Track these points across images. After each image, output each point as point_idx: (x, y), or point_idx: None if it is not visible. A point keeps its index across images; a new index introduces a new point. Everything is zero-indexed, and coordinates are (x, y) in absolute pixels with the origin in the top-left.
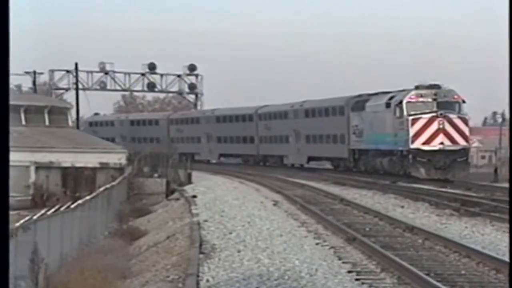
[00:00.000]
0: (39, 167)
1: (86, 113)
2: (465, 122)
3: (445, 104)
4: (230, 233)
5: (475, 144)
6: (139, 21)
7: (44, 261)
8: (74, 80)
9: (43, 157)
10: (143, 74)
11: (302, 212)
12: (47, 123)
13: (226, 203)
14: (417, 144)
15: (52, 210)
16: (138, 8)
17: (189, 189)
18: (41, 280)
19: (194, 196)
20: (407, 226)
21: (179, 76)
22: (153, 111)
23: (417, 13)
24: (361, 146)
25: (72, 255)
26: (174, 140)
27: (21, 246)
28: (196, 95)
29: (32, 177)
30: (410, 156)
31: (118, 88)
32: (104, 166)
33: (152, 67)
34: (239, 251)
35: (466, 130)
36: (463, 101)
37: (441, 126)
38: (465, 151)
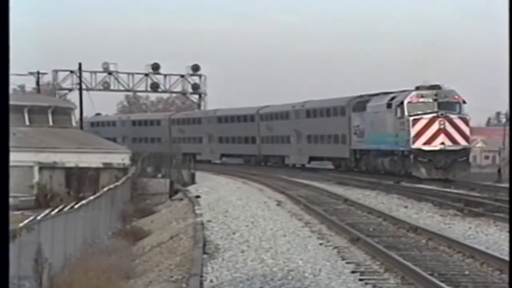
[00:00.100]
0: (42, 167)
1: (89, 113)
2: (466, 122)
3: (446, 104)
4: (234, 233)
5: (479, 144)
6: (143, 21)
7: (48, 261)
8: (78, 81)
9: (47, 157)
10: (146, 75)
11: (305, 212)
12: (50, 123)
13: (229, 203)
14: (418, 144)
15: (56, 210)
16: (142, 9)
17: (192, 189)
18: (45, 280)
19: (198, 196)
20: (410, 226)
21: (182, 76)
22: (157, 111)
23: (417, 13)
24: (362, 146)
25: (75, 255)
26: (176, 140)
27: (25, 246)
28: (200, 95)
29: (36, 177)
30: (411, 156)
31: (122, 88)
32: (107, 167)
33: (155, 67)
34: (242, 251)
35: (466, 130)
36: (464, 102)
37: (442, 126)
38: (465, 151)
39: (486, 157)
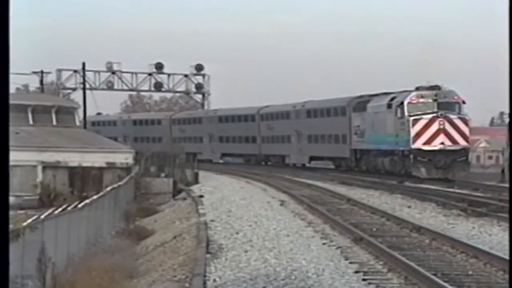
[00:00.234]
0: (46, 166)
1: (93, 112)
2: (465, 122)
3: (446, 104)
4: (237, 233)
5: (482, 144)
6: (146, 21)
7: (51, 260)
8: (81, 80)
9: (50, 157)
10: (150, 74)
11: (309, 212)
12: (54, 122)
13: (233, 203)
14: (418, 144)
15: (59, 209)
16: (145, 8)
17: (196, 189)
18: (48, 280)
19: (201, 196)
20: (414, 226)
21: (186, 76)
22: (160, 111)
23: (417, 13)
24: (362, 146)
25: (79, 255)
26: (177, 140)
27: (28, 245)
28: (203, 95)
29: (39, 176)
30: (411, 156)
31: (125, 88)
32: (111, 166)
33: (159, 67)
34: (246, 251)
35: (466, 130)
36: (463, 102)
37: (441, 127)
38: (465, 151)
39: (490, 157)
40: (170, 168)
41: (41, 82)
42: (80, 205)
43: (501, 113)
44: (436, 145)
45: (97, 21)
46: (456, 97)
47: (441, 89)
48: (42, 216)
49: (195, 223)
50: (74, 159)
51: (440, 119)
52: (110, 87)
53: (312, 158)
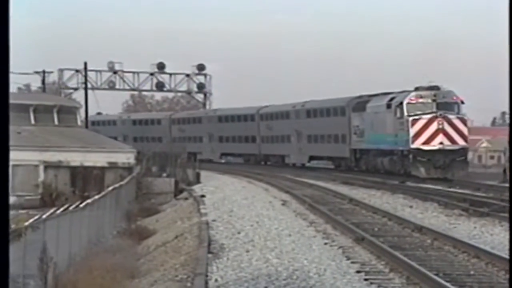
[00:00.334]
0: (48, 166)
1: (94, 112)
2: (464, 122)
3: (444, 105)
4: (239, 232)
5: (484, 144)
6: (148, 21)
7: (53, 260)
8: (83, 80)
9: (52, 156)
10: (152, 74)
11: (310, 212)
12: (56, 122)
13: (234, 202)
14: (417, 144)
15: (61, 209)
16: (147, 8)
17: (197, 189)
18: (50, 279)
19: (203, 196)
20: (415, 226)
21: (187, 75)
22: (162, 111)
23: (417, 13)
24: (362, 146)
25: (80, 255)
26: (176, 139)
27: (30, 245)
28: (205, 94)
29: (41, 176)
30: (411, 156)
31: (127, 87)
32: (112, 166)
33: (161, 66)
34: (247, 251)
35: (465, 130)
36: (462, 102)
37: (440, 127)
38: (464, 150)
39: (492, 157)
40: (172, 168)
41: (43, 81)
42: (81, 205)
43: (503, 113)
44: (435, 145)
45: (98, 21)
46: (455, 97)
47: (440, 89)
48: (44, 216)
49: (197, 222)
50: (76, 158)
51: (439, 119)
52: (111, 86)
53: (311, 158)
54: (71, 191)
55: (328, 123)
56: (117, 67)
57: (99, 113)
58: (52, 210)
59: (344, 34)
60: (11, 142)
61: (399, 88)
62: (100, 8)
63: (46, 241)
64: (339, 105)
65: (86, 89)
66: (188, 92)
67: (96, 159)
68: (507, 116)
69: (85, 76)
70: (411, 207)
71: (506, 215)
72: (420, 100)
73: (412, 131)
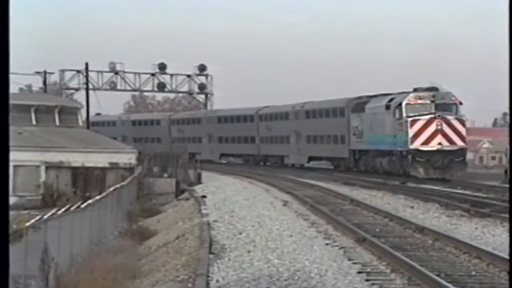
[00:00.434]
0: (49, 166)
1: (95, 113)
2: (462, 123)
3: (443, 106)
4: (240, 233)
5: (486, 145)
6: (150, 21)
7: (54, 260)
8: (84, 80)
9: (53, 157)
10: (153, 74)
11: (312, 212)
12: (57, 123)
13: (236, 203)
14: (416, 145)
15: (62, 210)
16: (149, 9)
17: (198, 189)
18: (51, 280)
19: (204, 196)
20: (417, 227)
21: (189, 76)
22: (163, 111)
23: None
24: (361, 146)
25: (82, 255)
26: (175, 140)
27: (31, 245)
28: (206, 95)
29: (43, 176)
30: (409, 156)
31: (128, 88)
32: (114, 166)
33: (162, 67)
34: (249, 252)
35: (463, 131)
36: (461, 103)
37: (439, 127)
38: (462, 151)
39: (493, 158)
40: (173, 168)
41: (44, 82)
42: (83, 205)
43: (504, 114)
44: (433, 146)
45: (99, 21)
46: (453, 99)
47: (438, 90)
48: (45, 216)
49: (198, 223)
50: (77, 159)
51: (437, 120)
52: (113, 87)
53: (311, 159)
54: (72, 192)
55: (327, 124)
56: (118, 68)
57: (98, 114)
58: (53, 211)
59: (344, 34)
60: (13, 142)
61: (399, 89)
62: (102, 9)
63: (48, 241)
64: (338, 106)
65: (87, 89)
66: (190, 93)
67: (97, 159)
68: (508, 117)
69: (87, 77)
70: (412, 207)
71: (508, 215)
72: (419, 101)
73: (411, 132)
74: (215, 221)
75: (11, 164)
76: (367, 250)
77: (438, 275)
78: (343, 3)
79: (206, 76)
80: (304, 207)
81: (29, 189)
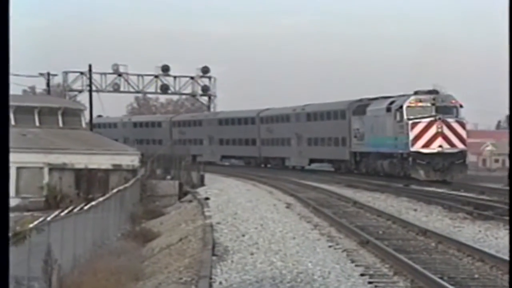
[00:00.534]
0: (52, 168)
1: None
2: (463, 125)
3: (443, 108)
4: (243, 235)
5: (489, 148)
6: (153, 23)
7: (57, 262)
8: (88, 82)
9: (57, 159)
10: (156, 76)
11: (315, 214)
12: (60, 124)
13: (239, 205)
14: (417, 147)
15: (66, 211)
16: (151, 10)
17: (202, 191)
18: (54, 281)
19: (207, 198)
20: (420, 230)
21: (192, 78)
22: (166, 113)
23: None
24: (362, 148)
25: (85, 257)
26: (177, 142)
27: (34, 247)
28: (209, 97)
29: (46, 178)
30: (410, 159)
31: (132, 90)
32: (117, 168)
33: (165, 69)
34: (252, 254)
35: (463, 133)
36: (461, 106)
37: (439, 130)
38: (462, 153)
39: (496, 160)
40: (176, 170)
41: (48, 84)
42: (86, 207)
43: (508, 116)
44: (434, 148)
45: (103, 23)
46: (453, 101)
47: (439, 93)
48: (49, 218)
49: (201, 225)
50: (80, 161)
51: (438, 122)
52: (116, 89)
53: (312, 161)
54: (75, 193)
55: (328, 126)
56: (121, 70)
57: (99, 116)
58: (56, 212)
59: (345, 36)
60: (16, 144)
61: (400, 90)
62: (105, 11)
63: (51, 243)
64: (339, 108)
65: (90, 91)
66: (193, 95)
67: (100, 161)
68: None
69: (90, 79)
70: (415, 210)
71: None
72: (420, 104)
73: (412, 134)
74: (218, 223)
75: (14, 165)
76: (370, 252)
77: (441, 278)
78: (344, 5)
79: (209, 78)
80: (307, 209)
81: (32, 191)
